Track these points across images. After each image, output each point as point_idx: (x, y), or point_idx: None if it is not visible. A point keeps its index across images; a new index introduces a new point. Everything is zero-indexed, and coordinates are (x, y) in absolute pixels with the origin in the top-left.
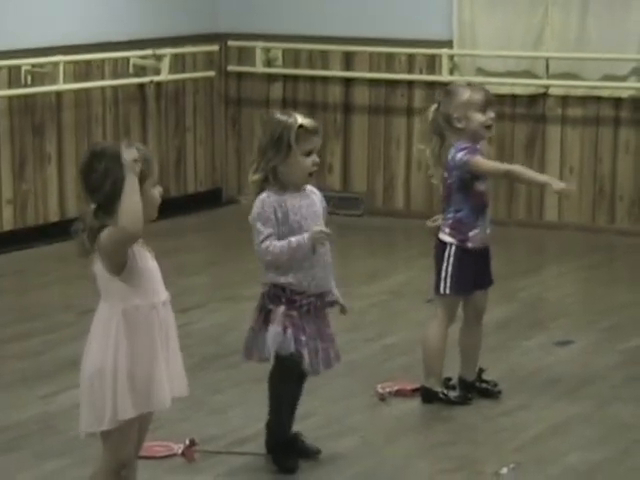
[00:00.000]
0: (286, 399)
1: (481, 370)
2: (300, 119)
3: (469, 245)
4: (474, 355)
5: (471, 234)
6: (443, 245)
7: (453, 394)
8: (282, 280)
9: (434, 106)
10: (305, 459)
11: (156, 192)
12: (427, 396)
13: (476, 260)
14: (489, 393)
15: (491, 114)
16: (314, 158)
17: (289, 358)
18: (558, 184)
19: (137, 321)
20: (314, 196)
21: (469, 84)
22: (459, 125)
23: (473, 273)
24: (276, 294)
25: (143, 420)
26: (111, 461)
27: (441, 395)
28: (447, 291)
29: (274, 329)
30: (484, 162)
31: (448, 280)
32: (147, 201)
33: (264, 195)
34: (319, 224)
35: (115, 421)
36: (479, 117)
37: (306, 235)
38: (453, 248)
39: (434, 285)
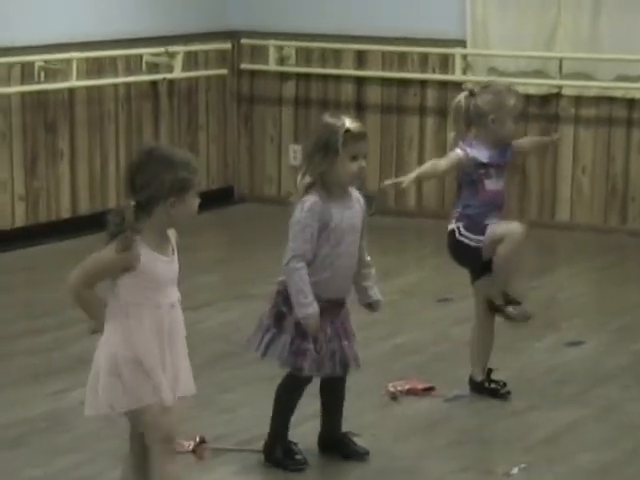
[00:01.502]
0: (291, 407)
1: (490, 370)
2: (348, 123)
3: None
4: (485, 354)
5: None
6: (452, 233)
7: (493, 386)
8: None
9: (465, 94)
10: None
11: (195, 203)
12: (472, 385)
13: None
14: (498, 394)
15: (517, 124)
16: (360, 162)
17: (293, 372)
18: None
19: (139, 317)
20: (358, 206)
21: (510, 88)
22: (492, 126)
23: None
24: (289, 296)
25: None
26: (154, 440)
27: (487, 385)
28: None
29: (284, 339)
30: (445, 159)
31: (477, 241)
32: (186, 211)
33: (311, 202)
34: (353, 240)
35: (110, 411)
36: (512, 125)
37: (309, 310)
38: (461, 229)
39: (471, 273)
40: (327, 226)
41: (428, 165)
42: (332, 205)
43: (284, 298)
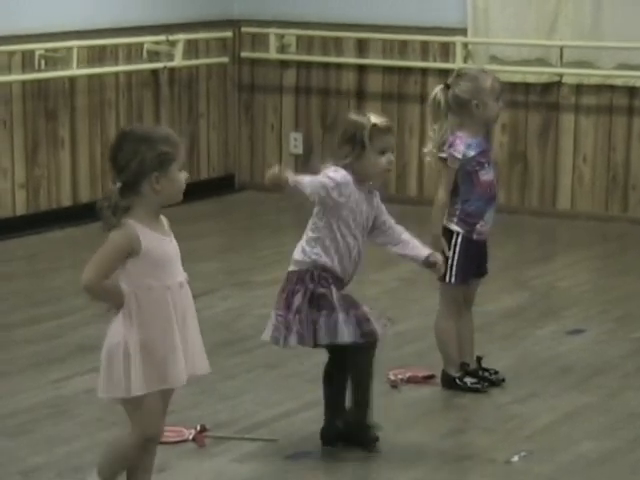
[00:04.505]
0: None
1: (479, 358)
2: (373, 118)
3: (474, 237)
4: (469, 342)
5: (478, 226)
6: (449, 233)
7: (470, 380)
8: (327, 261)
9: (440, 87)
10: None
11: (182, 176)
12: (446, 381)
13: (477, 250)
14: (491, 381)
15: (501, 103)
16: (388, 156)
17: (364, 344)
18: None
19: (150, 300)
20: (374, 200)
21: (484, 70)
22: (476, 111)
23: (475, 262)
24: (323, 276)
25: (164, 393)
26: (139, 435)
27: (458, 381)
28: (453, 280)
29: (342, 317)
30: (447, 178)
31: (454, 269)
32: (172, 184)
33: (345, 174)
34: (364, 228)
35: (128, 394)
36: (495, 106)
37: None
38: (460, 238)
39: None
40: (348, 203)
41: (438, 211)
42: (357, 190)
43: (312, 278)
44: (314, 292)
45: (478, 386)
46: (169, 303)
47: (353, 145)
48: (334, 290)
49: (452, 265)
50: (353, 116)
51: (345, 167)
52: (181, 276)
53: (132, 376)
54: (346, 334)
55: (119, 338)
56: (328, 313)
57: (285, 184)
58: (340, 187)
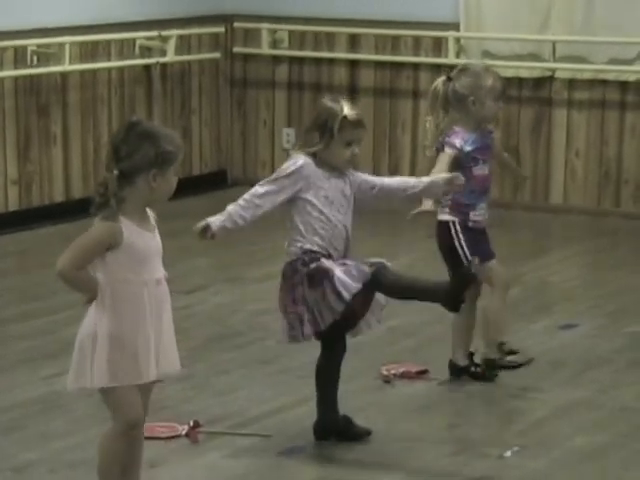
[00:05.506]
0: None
1: (471, 354)
2: (346, 109)
3: (469, 224)
4: (469, 338)
5: (471, 215)
6: (445, 224)
7: (478, 370)
8: (309, 245)
9: (442, 79)
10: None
11: (174, 181)
12: (453, 370)
13: (477, 236)
14: (483, 377)
15: (501, 104)
16: (354, 149)
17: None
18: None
19: (125, 294)
20: (348, 181)
21: (487, 69)
22: (472, 108)
23: (482, 243)
24: (313, 257)
25: (142, 389)
26: (119, 422)
27: (472, 369)
28: (476, 261)
29: (338, 272)
30: (441, 161)
31: (467, 253)
32: (166, 185)
33: (304, 161)
34: (344, 205)
35: (91, 384)
36: (493, 106)
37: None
38: (457, 225)
39: (451, 267)
40: (316, 184)
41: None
42: (322, 171)
43: (304, 263)
44: (308, 273)
45: (484, 376)
46: (144, 298)
47: (322, 133)
48: (323, 259)
49: (463, 251)
50: (328, 102)
51: (311, 154)
52: (160, 273)
53: (95, 366)
54: (352, 285)
55: (91, 329)
56: (329, 278)
57: (208, 231)
58: (284, 184)
